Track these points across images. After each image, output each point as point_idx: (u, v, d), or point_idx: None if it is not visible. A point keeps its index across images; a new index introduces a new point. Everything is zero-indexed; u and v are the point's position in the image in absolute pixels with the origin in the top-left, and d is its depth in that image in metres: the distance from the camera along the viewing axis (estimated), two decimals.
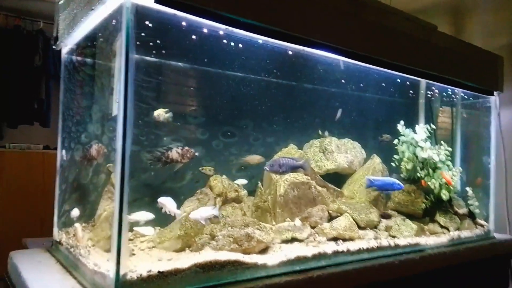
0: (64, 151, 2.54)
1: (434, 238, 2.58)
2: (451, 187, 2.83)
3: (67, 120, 2.57)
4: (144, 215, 1.94)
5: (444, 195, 2.75)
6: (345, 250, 2.12)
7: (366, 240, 2.31)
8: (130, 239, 2.04)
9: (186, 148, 2.25)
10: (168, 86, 2.74)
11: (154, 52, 2.37)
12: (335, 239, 2.25)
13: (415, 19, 2.59)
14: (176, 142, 2.54)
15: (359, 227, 2.44)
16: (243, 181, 2.83)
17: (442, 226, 2.72)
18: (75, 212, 2.46)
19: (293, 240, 2.17)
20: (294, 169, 2.41)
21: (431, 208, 2.83)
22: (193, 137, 2.75)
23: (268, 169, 2.39)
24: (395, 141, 3.02)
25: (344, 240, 2.26)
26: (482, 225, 3.09)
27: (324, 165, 3.12)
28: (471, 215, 3.08)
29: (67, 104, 2.57)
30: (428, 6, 4.11)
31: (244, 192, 2.75)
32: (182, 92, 2.76)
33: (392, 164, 3.27)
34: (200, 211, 1.91)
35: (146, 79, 2.38)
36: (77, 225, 2.32)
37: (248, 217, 2.21)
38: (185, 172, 2.76)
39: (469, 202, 3.23)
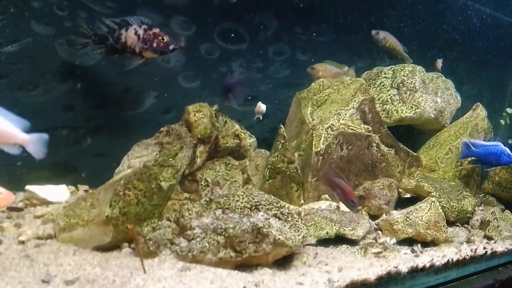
0: None
1: None
2: None
3: None
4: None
5: None
6: (427, 265, 1.42)
7: (456, 247, 1.62)
8: (18, 209, 1.37)
9: (156, 29, 1.41)
10: None
11: None
12: (409, 241, 1.57)
13: None
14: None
15: (447, 222, 1.75)
16: (260, 107, 1.71)
17: None
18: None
19: (339, 239, 1.46)
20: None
21: None
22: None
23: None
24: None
25: (424, 243, 1.57)
26: None
27: (396, 110, 1.98)
28: None
29: None
30: None
31: (251, 141, 1.67)
32: None
33: (502, 121, 2.29)
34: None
35: None
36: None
37: (256, 190, 1.39)
38: (143, 90, 1.66)
39: None
